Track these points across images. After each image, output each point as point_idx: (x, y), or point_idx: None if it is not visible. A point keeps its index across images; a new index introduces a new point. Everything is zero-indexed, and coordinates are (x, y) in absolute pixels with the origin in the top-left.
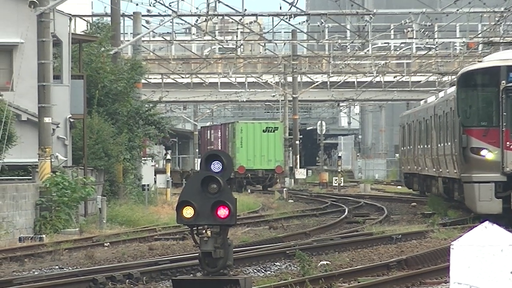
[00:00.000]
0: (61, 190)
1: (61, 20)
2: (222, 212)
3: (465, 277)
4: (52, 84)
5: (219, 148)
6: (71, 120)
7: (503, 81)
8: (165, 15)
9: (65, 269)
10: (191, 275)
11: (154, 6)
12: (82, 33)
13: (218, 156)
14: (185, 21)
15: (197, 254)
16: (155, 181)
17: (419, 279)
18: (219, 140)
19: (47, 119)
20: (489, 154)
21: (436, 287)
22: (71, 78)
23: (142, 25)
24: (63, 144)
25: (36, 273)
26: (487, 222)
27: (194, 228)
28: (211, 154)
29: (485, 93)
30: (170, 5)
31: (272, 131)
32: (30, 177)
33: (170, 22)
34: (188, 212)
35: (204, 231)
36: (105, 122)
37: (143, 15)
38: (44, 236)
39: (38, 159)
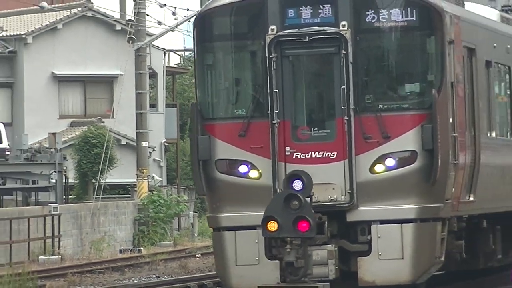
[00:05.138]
0: (157, 207)
1: (156, 54)
2: (303, 225)
3: None
4: (148, 112)
5: None
6: (166, 144)
7: (273, 27)
8: None
9: (161, 277)
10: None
11: None
12: (175, 65)
13: (299, 176)
14: None
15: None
16: None
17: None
18: None
19: (144, 143)
20: (253, 172)
21: None
22: (166, 107)
23: None
24: (159, 165)
25: (135, 281)
26: None
27: (278, 240)
28: (292, 174)
29: (242, 52)
30: None
31: None
32: (129, 196)
33: None
34: (272, 226)
35: (287, 243)
36: None
37: None
38: (142, 248)
39: (136, 179)
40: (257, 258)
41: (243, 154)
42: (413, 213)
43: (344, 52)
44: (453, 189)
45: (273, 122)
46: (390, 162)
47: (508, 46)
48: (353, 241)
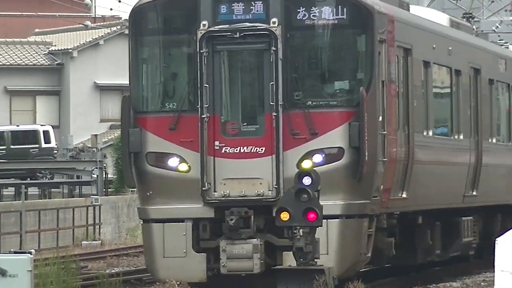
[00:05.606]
0: None
1: None
2: (311, 216)
3: (507, 265)
4: None
5: None
6: None
7: (205, 22)
8: None
9: None
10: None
11: None
12: None
13: (309, 173)
14: None
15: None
16: None
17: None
18: None
19: None
20: (182, 166)
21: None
22: None
23: None
24: None
25: None
26: None
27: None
28: (302, 172)
29: (174, 47)
30: None
31: None
32: None
33: None
34: (285, 216)
35: (297, 231)
36: None
37: None
38: None
39: None
40: (184, 251)
41: (173, 147)
42: (339, 209)
43: (274, 49)
44: (382, 186)
45: (203, 116)
46: (317, 158)
47: (450, 48)
48: (279, 235)
